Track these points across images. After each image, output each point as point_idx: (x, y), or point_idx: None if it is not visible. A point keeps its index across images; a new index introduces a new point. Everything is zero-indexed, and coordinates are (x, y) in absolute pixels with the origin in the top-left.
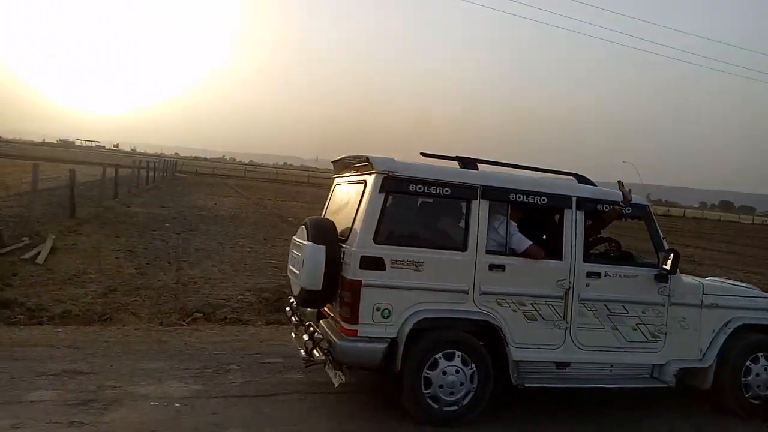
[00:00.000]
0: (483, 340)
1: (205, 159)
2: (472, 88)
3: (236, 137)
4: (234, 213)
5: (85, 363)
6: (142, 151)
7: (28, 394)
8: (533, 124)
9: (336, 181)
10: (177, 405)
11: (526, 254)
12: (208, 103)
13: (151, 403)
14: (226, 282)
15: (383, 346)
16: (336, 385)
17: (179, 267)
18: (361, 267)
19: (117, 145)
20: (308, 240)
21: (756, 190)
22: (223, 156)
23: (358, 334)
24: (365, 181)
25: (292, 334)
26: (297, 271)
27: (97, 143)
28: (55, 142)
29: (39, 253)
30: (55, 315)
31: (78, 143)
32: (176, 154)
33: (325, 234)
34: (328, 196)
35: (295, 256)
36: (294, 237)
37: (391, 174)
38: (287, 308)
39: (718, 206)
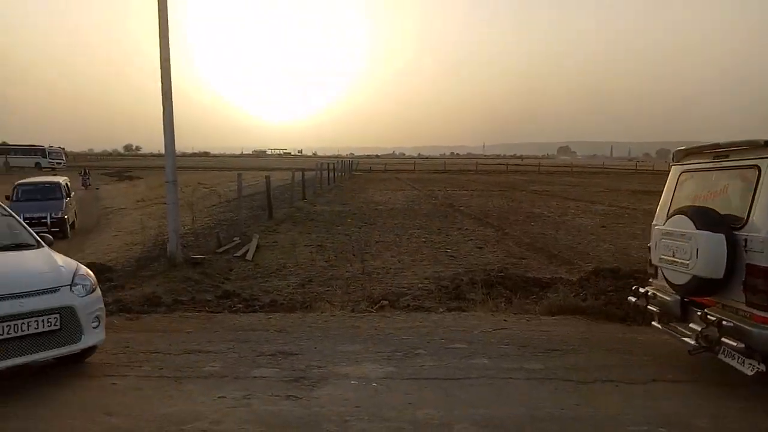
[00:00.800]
0: None
1: (377, 156)
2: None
3: (404, 132)
4: (407, 206)
5: (293, 345)
6: (322, 154)
7: (253, 370)
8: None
9: (680, 169)
10: (374, 384)
11: None
12: (376, 102)
13: (352, 381)
14: (406, 271)
15: None
16: (750, 373)
17: (363, 259)
18: None
19: (300, 151)
20: (699, 229)
21: None
22: (393, 151)
23: None
24: (757, 166)
25: (655, 324)
26: (685, 261)
27: (284, 150)
28: (251, 152)
29: (248, 250)
30: (265, 304)
31: (269, 152)
32: (350, 153)
33: (719, 223)
34: (668, 185)
35: (677, 245)
36: (660, 226)
37: None
38: (633, 297)
39: None
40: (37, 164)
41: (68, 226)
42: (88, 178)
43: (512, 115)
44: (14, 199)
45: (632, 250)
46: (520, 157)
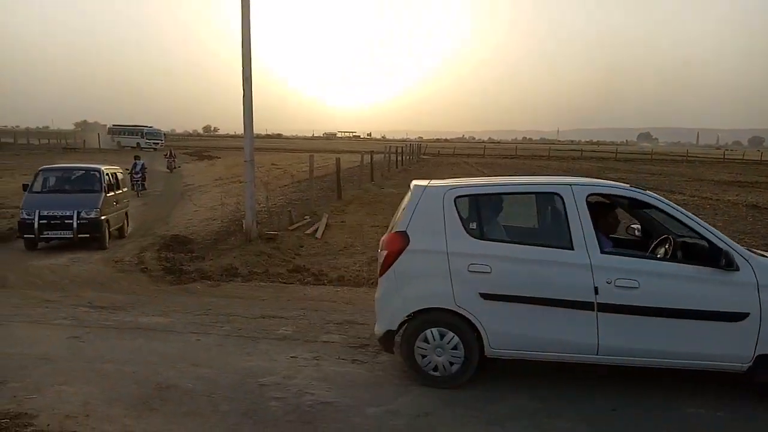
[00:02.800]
0: None
1: (446, 140)
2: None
3: (474, 116)
4: None
5: (359, 316)
6: (391, 138)
7: (322, 335)
8: None
9: None
10: None
11: None
12: (446, 86)
13: None
14: None
15: None
16: None
17: None
18: None
19: (370, 134)
20: None
21: None
22: (463, 135)
23: None
24: None
25: None
26: None
27: (354, 134)
28: (322, 135)
29: (317, 229)
30: (333, 279)
31: (339, 135)
32: (419, 137)
33: None
34: None
35: None
36: None
37: None
38: None
39: None
40: (138, 144)
41: (106, 232)
42: (174, 161)
43: (589, 100)
44: (33, 189)
45: None
46: (596, 143)
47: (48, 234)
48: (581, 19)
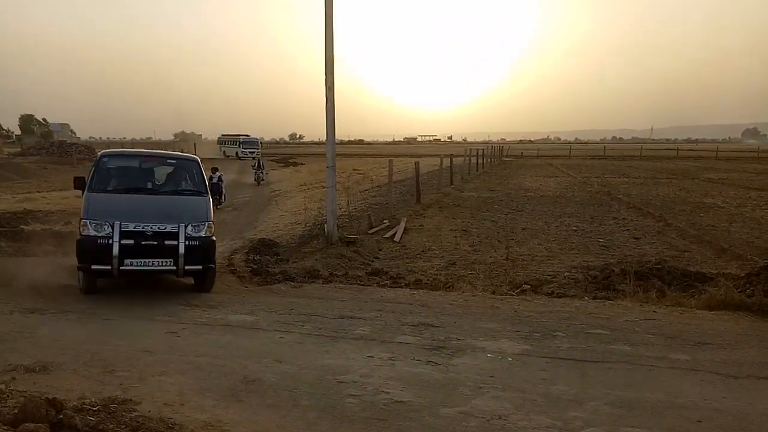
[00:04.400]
0: None
1: (530, 141)
2: None
3: (561, 115)
4: (559, 193)
5: (435, 318)
6: (472, 140)
7: (398, 337)
8: None
9: None
10: (509, 359)
11: None
12: (533, 86)
13: (488, 354)
14: (552, 259)
15: None
16: None
17: (508, 245)
18: None
19: (450, 137)
20: None
21: None
22: (548, 136)
23: None
24: None
25: None
26: None
27: (434, 137)
28: (402, 139)
29: (396, 232)
30: (410, 282)
31: (419, 139)
32: (502, 139)
33: None
34: None
35: None
36: None
37: None
38: None
39: None
40: (236, 153)
41: (213, 265)
42: (262, 172)
43: (687, 94)
44: (95, 186)
45: None
46: (695, 141)
47: (132, 265)
48: (677, 7)
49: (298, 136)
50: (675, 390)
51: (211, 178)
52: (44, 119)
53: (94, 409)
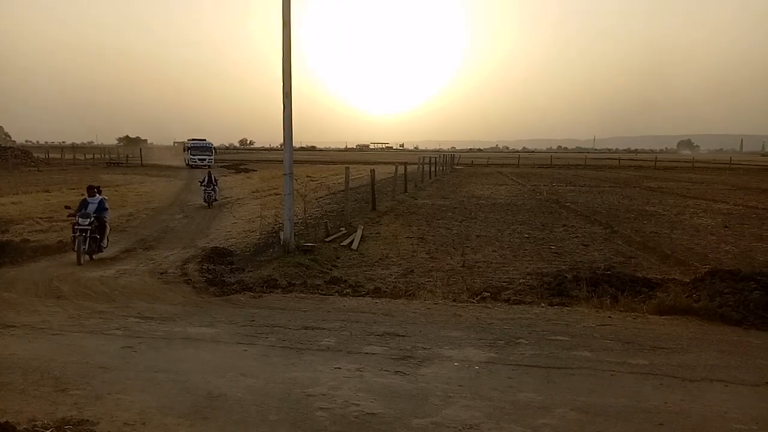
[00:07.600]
0: None
1: (479, 149)
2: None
3: (507, 125)
4: (510, 201)
5: (399, 328)
6: (424, 148)
7: (364, 347)
8: None
9: None
10: (476, 367)
11: None
12: (478, 94)
13: (455, 363)
14: (507, 266)
15: None
16: None
17: (463, 252)
18: None
19: (402, 145)
20: None
21: None
22: (496, 145)
23: None
24: None
25: None
26: None
27: (386, 144)
28: (355, 147)
29: (353, 240)
30: (370, 290)
31: (371, 146)
32: (452, 147)
33: None
34: None
35: None
36: None
37: None
38: None
39: None
40: (185, 160)
41: None
42: (215, 190)
43: (627, 106)
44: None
45: (758, 253)
46: (635, 151)
47: None
48: (617, 23)
49: (248, 141)
50: (636, 394)
51: (85, 203)
52: None
53: (47, 431)
